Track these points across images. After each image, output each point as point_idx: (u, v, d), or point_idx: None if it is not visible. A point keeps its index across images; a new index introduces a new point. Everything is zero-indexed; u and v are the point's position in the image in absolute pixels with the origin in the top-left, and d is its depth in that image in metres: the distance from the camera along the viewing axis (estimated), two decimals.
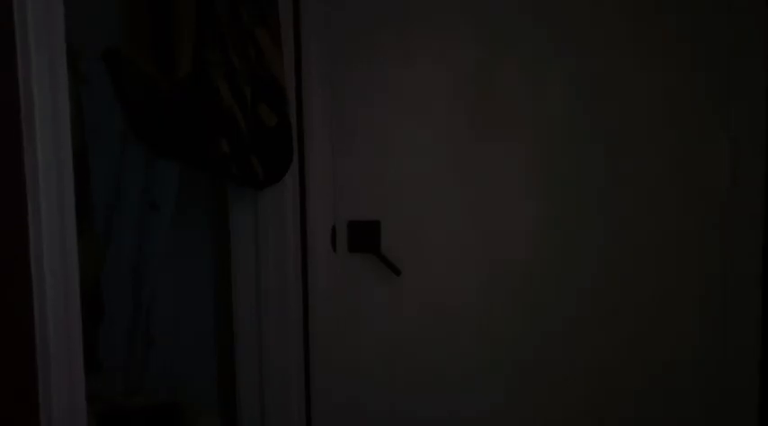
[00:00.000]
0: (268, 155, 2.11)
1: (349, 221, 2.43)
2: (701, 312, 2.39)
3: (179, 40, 2.00)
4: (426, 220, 2.43)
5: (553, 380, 2.43)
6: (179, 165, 2.22)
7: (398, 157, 2.41)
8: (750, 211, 2.34)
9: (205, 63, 2.01)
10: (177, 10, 2.00)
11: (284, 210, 2.28)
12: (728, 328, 2.38)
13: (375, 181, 2.43)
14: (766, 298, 2.33)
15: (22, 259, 1.41)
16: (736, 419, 2.39)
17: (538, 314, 2.42)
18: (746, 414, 2.38)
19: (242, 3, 2.05)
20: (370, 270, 2.44)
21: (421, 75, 2.37)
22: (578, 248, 2.39)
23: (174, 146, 2.04)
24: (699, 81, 2.33)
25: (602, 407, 2.43)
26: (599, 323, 2.40)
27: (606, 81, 2.33)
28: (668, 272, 2.38)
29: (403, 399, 2.45)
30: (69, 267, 1.47)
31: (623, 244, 2.38)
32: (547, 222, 2.40)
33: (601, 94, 2.34)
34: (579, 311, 2.39)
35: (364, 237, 2.44)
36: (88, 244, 1.61)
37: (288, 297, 2.31)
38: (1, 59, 1.38)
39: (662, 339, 2.39)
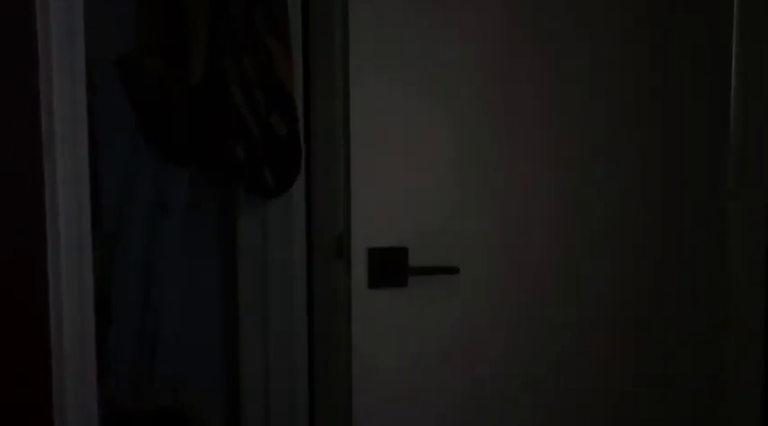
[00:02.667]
0: (278, 164, 2.13)
1: (370, 248, 2.01)
2: (706, 316, 2.36)
3: (193, 46, 2.01)
4: (454, 246, 2.10)
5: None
6: (189, 170, 2.23)
7: (425, 173, 2.10)
8: (754, 212, 2.33)
9: (218, 69, 2.02)
10: (191, 16, 2.01)
11: (291, 219, 2.29)
12: (731, 332, 2.37)
13: (400, 201, 2.06)
14: None
15: (40, 264, 1.42)
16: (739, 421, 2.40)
17: (565, 337, 2.26)
18: (749, 418, 2.38)
19: (256, 10, 2.06)
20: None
21: (449, 79, 2.11)
22: (595, 259, 2.28)
23: (187, 153, 2.06)
24: (702, 82, 2.31)
25: (602, 406, 2.39)
26: (607, 325, 2.33)
27: (610, 80, 2.24)
28: (671, 274, 2.35)
29: None
30: (84, 275, 1.49)
31: (629, 246, 2.31)
32: (576, 235, 2.24)
33: (603, 95, 2.24)
34: (588, 314, 2.30)
35: (389, 268, 2.01)
36: (97, 247, 1.62)
37: (293, 306, 2.32)
38: (23, 65, 1.39)
39: (666, 343, 2.36)
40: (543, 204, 2.20)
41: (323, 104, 2.47)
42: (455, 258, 2.06)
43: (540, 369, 2.22)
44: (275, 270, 2.30)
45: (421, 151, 2.08)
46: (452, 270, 2.05)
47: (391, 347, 2.06)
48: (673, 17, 2.28)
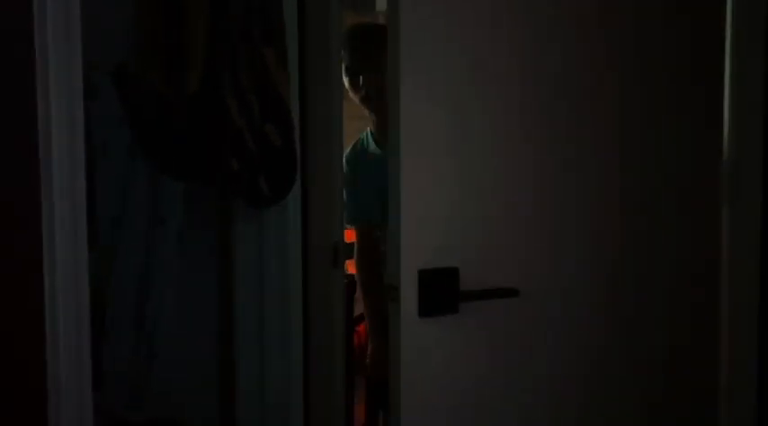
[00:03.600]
0: (273, 173, 2.13)
1: (421, 270, 1.71)
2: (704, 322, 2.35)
3: (190, 59, 2.01)
4: (508, 265, 1.88)
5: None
6: (186, 182, 2.23)
7: (473, 185, 1.84)
8: (750, 226, 2.33)
9: (215, 81, 2.03)
10: (189, 27, 2.02)
11: (287, 228, 2.30)
12: (725, 342, 2.36)
13: (447, 216, 1.80)
14: (763, 316, 2.35)
15: (36, 275, 1.42)
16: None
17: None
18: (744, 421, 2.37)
19: (253, 21, 2.07)
20: None
21: (498, 90, 1.91)
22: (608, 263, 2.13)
23: (184, 164, 2.06)
24: (697, 94, 2.31)
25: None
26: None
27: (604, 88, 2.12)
28: (666, 284, 2.33)
29: None
30: (80, 286, 1.49)
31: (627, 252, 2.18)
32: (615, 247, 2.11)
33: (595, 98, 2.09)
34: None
35: (440, 293, 1.73)
36: (93, 258, 1.63)
37: (289, 316, 2.32)
38: (20, 73, 1.40)
39: (661, 347, 2.34)
40: (596, 216, 2.08)
41: (319, 112, 2.48)
42: (510, 278, 1.84)
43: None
44: (271, 280, 2.30)
45: (469, 161, 1.86)
46: (511, 293, 1.83)
47: (443, 382, 1.82)
48: (671, 24, 2.28)
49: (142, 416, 2.19)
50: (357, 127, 2.94)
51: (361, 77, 2.72)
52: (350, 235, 2.87)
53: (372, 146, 2.85)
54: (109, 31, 2.06)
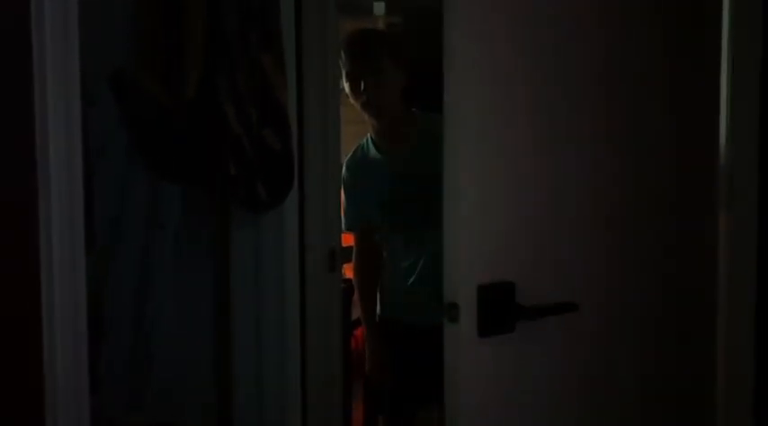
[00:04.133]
0: (271, 178, 2.13)
1: (480, 285, 1.60)
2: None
3: (187, 63, 2.01)
4: (565, 277, 1.78)
5: None
6: (184, 186, 2.23)
7: (529, 194, 1.75)
8: (746, 229, 2.33)
9: (213, 87, 2.02)
10: (187, 33, 2.02)
11: (284, 233, 2.29)
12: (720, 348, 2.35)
13: (503, 227, 1.69)
14: (760, 323, 2.34)
15: (33, 278, 1.42)
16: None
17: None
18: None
19: (250, 27, 2.07)
20: None
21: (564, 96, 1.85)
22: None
23: (182, 168, 2.06)
24: (693, 103, 2.31)
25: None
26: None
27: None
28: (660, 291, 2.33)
29: None
30: (78, 289, 1.49)
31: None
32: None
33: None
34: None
35: (497, 309, 1.61)
36: (91, 260, 1.63)
37: (286, 320, 2.32)
38: (17, 78, 1.40)
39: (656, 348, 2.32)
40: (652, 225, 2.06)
41: (317, 117, 2.49)
42: (567, 290, 1.75)
43: None
44: (268, 283, 2.29)
45: (521, 169, 1.77)
46: (570, 308, 1.73)
47: (502, 402, 1.73)
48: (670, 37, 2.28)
49: (141, 417, 2.18)
50: (355, 131, 2.94)
51: (362, 83, 2.72)
52: (347, 239, 2.87)
53: (373, 151, 2.85)
54: (107, 36, 2.06)
